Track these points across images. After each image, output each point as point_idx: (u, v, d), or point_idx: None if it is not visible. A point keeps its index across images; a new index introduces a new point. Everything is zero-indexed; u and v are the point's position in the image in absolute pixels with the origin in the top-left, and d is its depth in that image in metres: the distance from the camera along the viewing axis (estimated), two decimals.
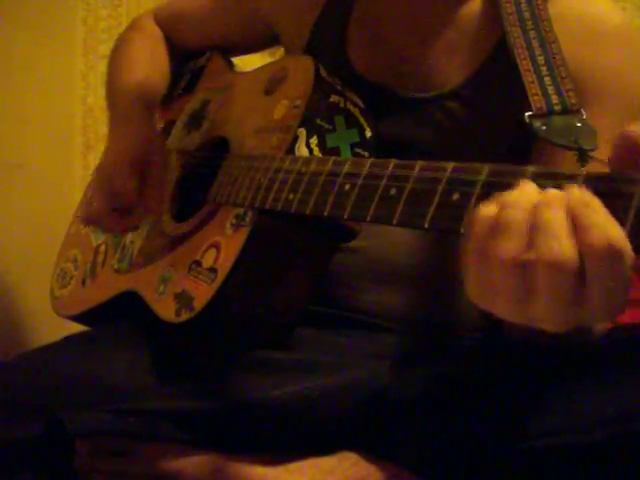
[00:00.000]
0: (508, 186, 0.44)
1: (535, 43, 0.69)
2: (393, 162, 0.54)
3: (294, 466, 0.66)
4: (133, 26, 1.06)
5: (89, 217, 0.84)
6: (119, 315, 0.83)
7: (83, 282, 0.95)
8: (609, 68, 0.71)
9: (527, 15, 0.70)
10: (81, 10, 1.56)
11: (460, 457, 0.63)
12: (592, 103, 0.68)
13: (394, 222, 0.51)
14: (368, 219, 0.54)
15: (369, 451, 0.67)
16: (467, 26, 0.76)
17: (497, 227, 0.42)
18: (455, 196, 0.47)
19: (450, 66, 0.77)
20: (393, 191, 0.52)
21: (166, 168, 0.86)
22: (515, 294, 0.42)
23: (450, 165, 0.49)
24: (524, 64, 0.68)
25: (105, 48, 1.56)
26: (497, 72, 0.74)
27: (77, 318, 0.93)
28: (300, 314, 0.75)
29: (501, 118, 0.65)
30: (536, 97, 0.66)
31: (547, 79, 0.67)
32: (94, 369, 0.70)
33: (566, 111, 0.65)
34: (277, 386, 0.68)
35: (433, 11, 0.77)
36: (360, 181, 0.56)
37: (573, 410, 0.61)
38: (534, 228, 0.41)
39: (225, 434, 0.68)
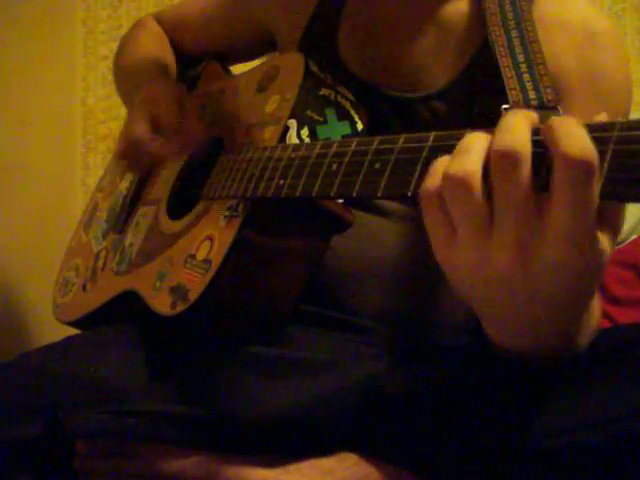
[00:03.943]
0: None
1: (516, 42, 0.70)
2: (378, 138, 0.55)
3: (293, 467, 0.66)
4: (137, 25, 1.07)
5: (132, 140, 0.79)
6: (119, 317, 0.83)
7: (84, 287, 0.95)
8: (589, 71, 0.72)
9: (510, 15, 0.72)
10: (81, 11, 1.57)
11: (460, 457, 0.63)
12: (570, 103, 0.70)
13: (379, 194, 0.52)
14: (354, 194, 0.55)
15: (369, 451, 0.67)
16: (453, 26, 0.77)
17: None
18: None
19: (437, 66, 0.77)
20: (378, 165, 0.53)
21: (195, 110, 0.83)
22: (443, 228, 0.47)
23: (432, 134, 0.51)
24: (504, 61, 0.70)
25: (105, 49, 1.57)
26: (481, 72, 0.75)
27: (78, 323, 0.93)
28: (293, 307, 0.75)
29: (485, 117, 0.66)
30: (514, 92, 0.68)
31: (526, 76, 0.69)
32: (94, 370, 0.70)
33: (543, 107, 0.67)
34: (274, 389, 0.68)
35: (419, 10, 0.78)
36: (346, 159, 0.57)
37: (573, 410, 0.61)
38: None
39: (223, 436, 0.68)
